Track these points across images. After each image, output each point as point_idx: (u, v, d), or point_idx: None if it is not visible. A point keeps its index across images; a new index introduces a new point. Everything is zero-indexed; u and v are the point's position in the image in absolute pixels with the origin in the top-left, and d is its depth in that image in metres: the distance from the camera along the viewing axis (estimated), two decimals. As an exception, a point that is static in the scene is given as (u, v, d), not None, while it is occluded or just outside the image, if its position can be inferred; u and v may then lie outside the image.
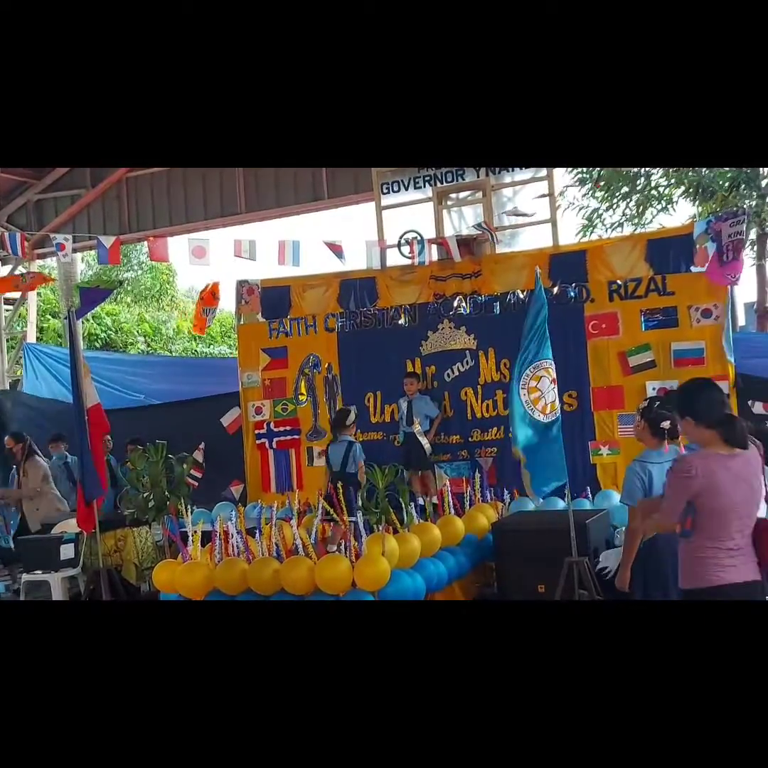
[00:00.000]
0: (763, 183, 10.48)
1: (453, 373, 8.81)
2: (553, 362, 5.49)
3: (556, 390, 5.46)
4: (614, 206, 11.43)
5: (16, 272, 13.79)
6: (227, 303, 10.18)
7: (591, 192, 11.24)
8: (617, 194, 11.17)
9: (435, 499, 7.19)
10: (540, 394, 5.34)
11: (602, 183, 9.34)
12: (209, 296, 9.72)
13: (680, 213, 11.73)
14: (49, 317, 19.37)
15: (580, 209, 11.69)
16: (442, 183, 9.34)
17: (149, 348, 20.59)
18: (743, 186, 10.30)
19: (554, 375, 5.47)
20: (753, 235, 10.87)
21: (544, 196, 8.88)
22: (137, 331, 20.58)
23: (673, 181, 10.92)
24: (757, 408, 7.66)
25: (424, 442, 8.39)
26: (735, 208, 9.17)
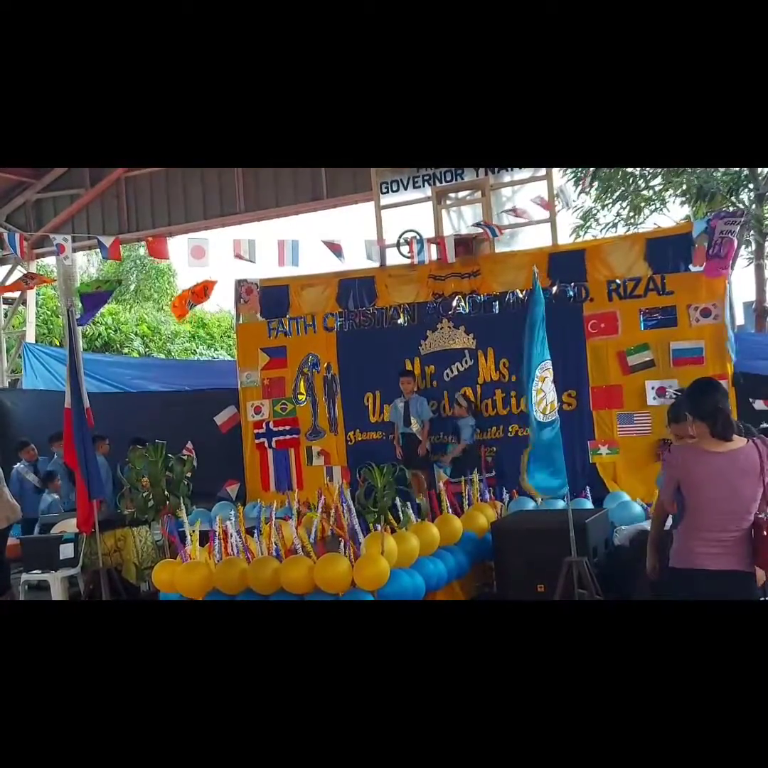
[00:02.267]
0: (762, 184, 10.48)
1: (452, 372, 8.82)
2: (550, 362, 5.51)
3: (554, 390, 5.48)
4: (609, 206, 11.43)
5: (15, 273, 13.80)
6: (226, 302, 10.18)
7: (581, 190, 11.23)
8: (614, 194, 11.17)
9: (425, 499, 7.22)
10: (543, 395, 5.35)
11: (592, 181, 9.32)
12: (201, 291, 9.67)
13: (674, 214, 11.74)
14: (58, 317, 19.35)
15: (577, 209, 11.71)
16: (441, 182, 9.34)
17: (147, 348, 20.57)
18: (743, 188, 10.30)
19: (552, 375, 5.49)
20: (752, 236, 10.86)
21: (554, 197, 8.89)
22: (136, 332, 20.55)
23: (671, 181, 10.90)
24: (759, 405, 7.67)
25: (424, 441, 8.43)
26: (734, 209, 9.17)
